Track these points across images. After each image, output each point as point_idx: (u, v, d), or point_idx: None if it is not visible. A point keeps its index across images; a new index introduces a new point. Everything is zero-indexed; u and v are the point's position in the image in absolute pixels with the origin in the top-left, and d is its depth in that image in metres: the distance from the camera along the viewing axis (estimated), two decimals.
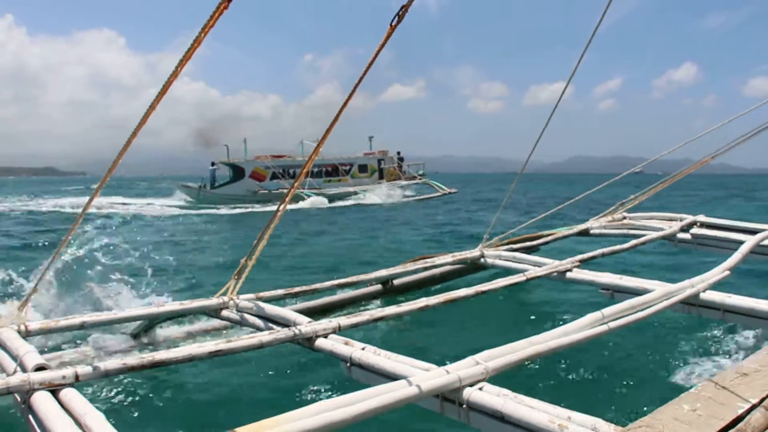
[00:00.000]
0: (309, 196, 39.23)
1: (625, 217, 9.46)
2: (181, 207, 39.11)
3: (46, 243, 16.81)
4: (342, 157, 45.76)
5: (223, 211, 35.76)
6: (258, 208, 36.18)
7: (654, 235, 8.08)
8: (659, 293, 5.04)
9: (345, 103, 3.73)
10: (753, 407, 2.72)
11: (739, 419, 2.62)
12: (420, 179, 47.46)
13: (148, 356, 3.85)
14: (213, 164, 43.86)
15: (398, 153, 48.74)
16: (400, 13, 3.05)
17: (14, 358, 3.77)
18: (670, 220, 9.06)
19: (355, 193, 42.84)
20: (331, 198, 40.78)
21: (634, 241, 7.66)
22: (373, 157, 47.50)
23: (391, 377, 3.60)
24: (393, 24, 3.14)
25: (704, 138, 8.69)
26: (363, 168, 46.91)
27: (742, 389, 2.93)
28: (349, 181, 45.27)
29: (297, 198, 38.00)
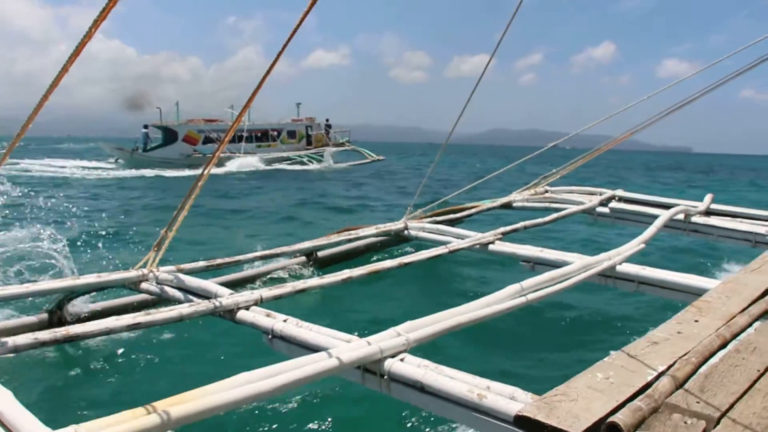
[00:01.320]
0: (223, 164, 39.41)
1: (547, 191, 9.68)
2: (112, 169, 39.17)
3: None
4: (272, 123, 46.48)
5: (156, 172, 35.85)
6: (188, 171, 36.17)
7: (574, 208, 8.29)
8: (577, 265, 5.17)
9: (270, 68, 3.64)
10: (661, 374, 2.82)
11: (648, 385, 2.71)
12: (347, 146, 48.65)
13: (61, 330, 3.70)
14: (145, 127, 43.66)
15: (326, 120, 49.56)
16: None
17: None
18: (590, 194, 9.33)
19: (288, 158, 43.82)
20: (266, 162, 41.56)
21: (554, 215, 7.84)
22: (301, 124, 48.22)
23: (313, 349, 3.58)
24: None
25: (618, 116, 8.96)
26: (292, 134, 47.67)
27: (652, 357, 3.04)
28: (278, 146, 46.03)
29: (226, 162, 38.96)
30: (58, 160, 44.62)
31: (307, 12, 3.20)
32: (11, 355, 3.67)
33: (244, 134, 43.70)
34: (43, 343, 3.63)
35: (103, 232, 12.18)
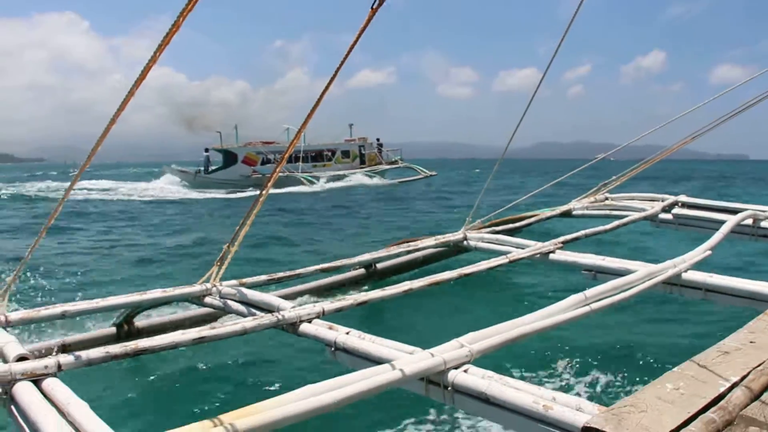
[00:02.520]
0: (311, 181, 42.32)
1: (607, 198, 9.49)
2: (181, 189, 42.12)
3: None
4: (326, 144, 48.35)
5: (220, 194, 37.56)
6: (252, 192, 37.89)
7: (636, 215, 8.11)
8: (641, 274, 5.06)
9: (324, 91, 3.70)
10: (734, 385, 2.75)
11: (720, 397, 2.64)
12: (400, 163, 50.36)
13: (131, 344, 3.81)
14: (206, 150, 46.02)
15: (378, 139, 51.47)
16: None
17: None
18: (652, 200, 9.10)
19: (343, 176, 45.56)
20: (327, 180, 43.47)
21: (616, 222, 7.69)
22: (354, 144, 50.02)
23: (375, 361, 3.59)
24: (374, 7, 3.09)
25: (672, 124, 8.76)
26: (346, 153, 49.46)
27: (723, 368, 2.95)
28: (333, 166, 47.71)
29: (285, 182, 40.22)
30: (126, 183, 46.72)
31: (362, 32, 3.24)
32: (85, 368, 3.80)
33: (301, 155, 45.35)
34: (114, 357, 3.74)
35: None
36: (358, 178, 45.94)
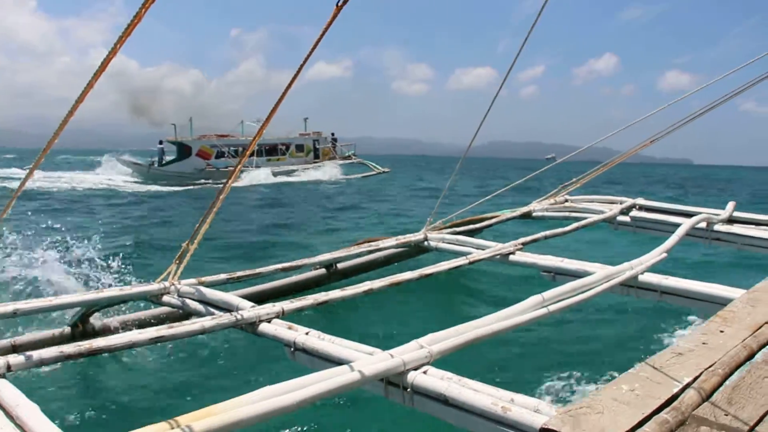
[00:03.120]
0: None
1: (566, 200, 9.61)
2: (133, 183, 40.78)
3: None
4: (280, 137, 47.85)
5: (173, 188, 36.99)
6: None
7: (595, 217, 8.23)
8: (599, 276, 5.14)
9: (289, 85, 3.67)
10: (687, 386, 2.80)
11: (674, 398, 2.68)
12: (354, 159, 50.68)
13: (85, 344, 3.73)
14: (160, 142, 45.36)
15: (332, 134, 51.53)
16: None
17: None
18: (611, 203, 9.25)
19: (295, 170, 45.55)
20: (275, 174, 43.33)
21: (575, 224, 7.79)
22: (308, 138, 50.09)
23: (335, 362, 3.58)
24: (339, 4, 3.09)
25: (623, 128, 8.95)
26: (300, 147, 49.54)
27: (677, 369, 3.01)
28: (287, 160, 47.75)
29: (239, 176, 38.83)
30: (66, 173, 45.59)
31: (327, 28, 3.23)
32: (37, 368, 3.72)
33: (255, 148, 44.32)
34: (68, 357, 3.67)
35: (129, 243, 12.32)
36: (310, 173, 45.68)
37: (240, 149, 44.90)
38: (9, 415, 2.76)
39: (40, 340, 5.56)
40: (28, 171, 4.00)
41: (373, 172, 47.96)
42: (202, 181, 40.61)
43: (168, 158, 45.17)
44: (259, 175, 42.00)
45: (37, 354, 3.49)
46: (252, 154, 42.96)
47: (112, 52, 2.79)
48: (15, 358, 3.36)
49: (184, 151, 44.85)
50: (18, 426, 2.66)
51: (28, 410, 2.74)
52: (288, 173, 44.89)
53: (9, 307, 4.55)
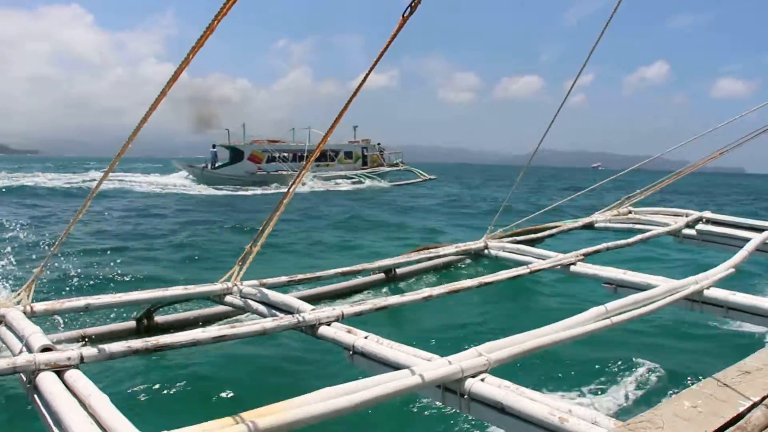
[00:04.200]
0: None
1: (630, 212, 9.43)
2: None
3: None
4: (330, 144, 48.47)
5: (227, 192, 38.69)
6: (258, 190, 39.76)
7: (659, 230, 8.05)
8: (663, 289, 5.04)
9: (355, 92, 3.73)
10: (754, 405, 2.73)
11: (739, 417, 2.62)
12: (401, 166, 52.25)
13: (152, 340, 3.87)
14: (214, 146, 47.43)
15: (378, 144, 53.22)
16: (413, 4, 3.04)
17: (20, 338, 3.80)
18: (676, 215, 9.03)
19: (346, 176, 47.04)
20: (325, 179, 44.88)
21: (638, 236, 7.64)
22: (357, 145, 51.54)
23: (393, 366, 3.61)
24: (405, 15, 3.12)
25: (689, 139, 8.76)
26: (348, 154, 51.03)
27: (744, 387, 2.93)
28: (336, 166, 49.12)
29: (289, 180, 40.40)
30: (140, 176, 47.78)
31: (392, 39, 3.27)
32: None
33: (305, 154, 45.86)
34: (136, 351, 3.80)
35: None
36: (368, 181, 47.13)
37: (290, 154, 46.99)
38: (83, 404, 2.88)
39: (108, 332, 5.78)
40: (103, 174, 4.18)
41: (420, 179, 49.60)
42: (251, 190, 41.65)
43: (221, 163, 46.92)
44: (312, 181, 43.24)
45: (107, 347, 3.63)
46: (302, 160, 45.41)
47: (185, 63, 2.90)
48: (88, 351, 3.50)
49: (236, 155, 46.56)
50: (91, 415, 2.78)
51: (100, 400, 2.86)
52: (334, 179, 46.25)
53: (81, 301, 4.75)
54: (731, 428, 2.49)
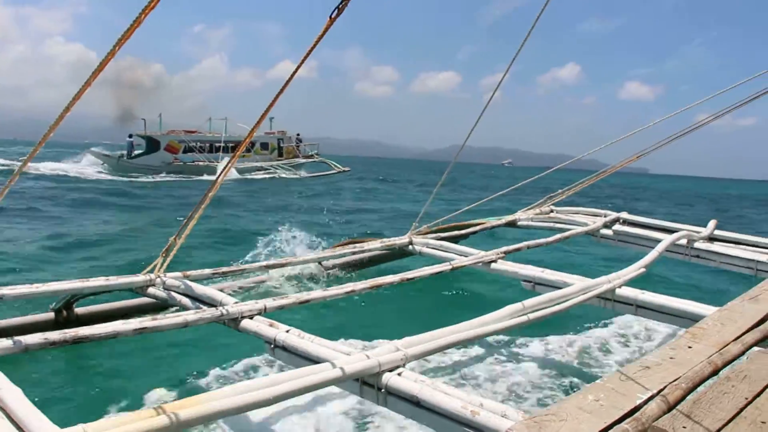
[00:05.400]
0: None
1: (552, 211, 9.74)
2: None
3: None
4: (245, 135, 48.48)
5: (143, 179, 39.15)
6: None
7: (578, 229, 8.35)
8: (578, 287, 5.25)
9: (281, 91, 3.75)
10: (650, 398, 2.89)
11: (636, 409, 2.78)
12: (316, 158, 53.28)
13: (71, 332, 3.81)
14: (130, 136, 47.28)
15: (297, 134, 53.89)
16: (340, 6, 3.08)
17: None
18: (595, 215, 9.38)
19: (261, 168, 47.50)
20: (240, 171, 44.53)
21: (558, 235, 7.91)
22: (273, 136, 51.83)
23: (313, 360, 3.67)
24: (332, 17, 3.16)
25: (591, 138, 9.16)
26: (264, 146, 51.43)
27: (643, 381, 3.10)
28: (252, 157, 49.03)
29: (204, 171, 42.90)
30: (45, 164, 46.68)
31: (318, 40, 3.31)
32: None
33: (222, 145, 47.26)
34: (53, 344, 3.74)
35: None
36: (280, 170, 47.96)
37: (207, 145, 47.53)
38: None
39: (24, 324, 5.61)
40: (22, 162, 4.07)
41: (334, 171, 50.75)
42: (164, 175, 42.67)
43: (137, 152, 46.90)
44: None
45: (23, 340, 3.56)
46: (218, 150, 46.66)
47: (111, 54, 2.86)
48: (2, 343, 3.42)
49: (153, 145, 46.67)
50: (1, 409, 2.73)
51: (12, 393, 2.81)
52: (251, 170, 46.55)
53: None
54: (628, 419, 2.63)
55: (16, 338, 3.56)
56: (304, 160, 51.90)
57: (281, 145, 51.93)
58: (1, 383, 2.95)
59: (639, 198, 47.93)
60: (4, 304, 5.40)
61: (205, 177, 40.59)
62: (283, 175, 47.00)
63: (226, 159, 46.40)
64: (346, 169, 52.25)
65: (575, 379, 5.64)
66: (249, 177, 43.55)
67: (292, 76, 3.62)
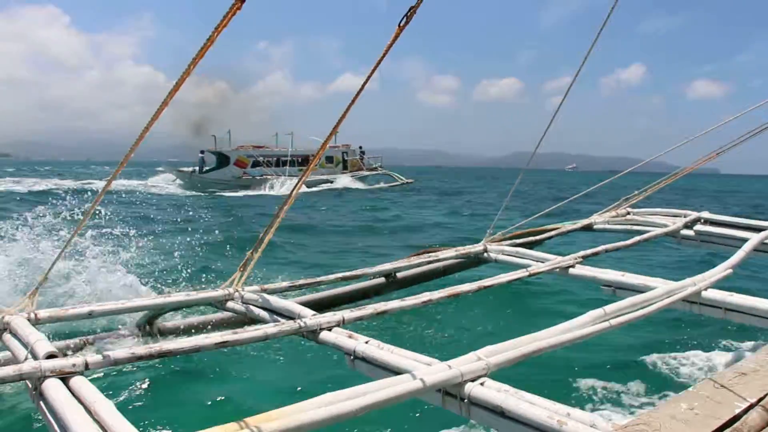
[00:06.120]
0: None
1: (629, 213, 9.46)
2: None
3: None
4: (312, 150, 51.10)
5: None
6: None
7: (657, 231, 8.09)
8: (661, 291, 5.07)
9: (352, 102, 3.77)
10: (750, 407, 2.76)
11: (736, 418, 2.66)
12: (380, 170, 54.60)
13: (155, 346, 3.91)
14: (202, 152, 49.87)
15: (360, 147, 55.23)
16: (408, 14, 3.08)
17: (25, 345, 3.83)
18: (675, 216, 9.07)
19: (328, 180, 49.03)
20: (307, 185, 45.36)
21: (637, 237, 7.67)
22: (338, 150, 53.16)
23: (394, 371, 3.65)
24: (401, 25, 3.16)
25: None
26: (329, 159, 52.76)
27: (740, 389, 2.97)
28: (317, 170, 50.21)
29: (264, 183, 45.60)
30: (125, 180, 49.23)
31: (388, 49, 3.31)
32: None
33: (288, 159, 49.57)
34: (139, 357, 3.84)
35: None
36: (344, 181, 49.54)
37: (274, 159, 49.73)
38: (88, 411, 2.92)
39: (110, 339, 5.82)
40: (106, 183, 4.23)
41: (397, 183, 52.00)
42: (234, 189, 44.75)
43: (208, 168, 49.45)
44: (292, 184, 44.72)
45: (112, 354, 3.66)
46: (285, 164, 48.85)
47: (186, 73, 2.93)
48: (93, 357, 3.54)
49: (223, 160, 49.17)
50: (96, 421, 2.82)
51: (105, 406, 2.89)
52: (317, 183, 47.64)
53: (84, 308, 4.79)
54: (728, 430, 2.52)
55: (106, 352, 3.68)
56: (368, 173, 53.31)
57: (345, 158, 53.33)
58: (94, 396, 3.05)
59: (710, 198, 46.33)
60: (93, 319, 5.61)
61: (268, 191, 42.92)
62: (350, 187, 48.24)
63: (293, 172, 47.97)
64: (410, 180, 53.37)
65: (664, 388, 5.46)
66: (315, 190, 44.45)
67: (363, 87, 3.63)
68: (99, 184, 45.29)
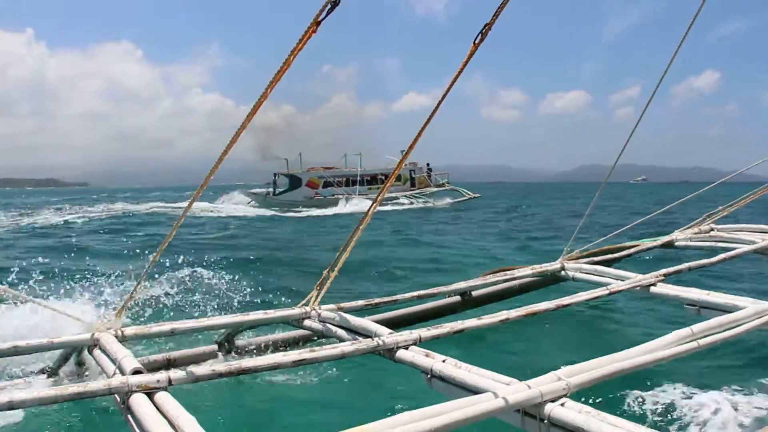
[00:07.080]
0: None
1: (712, 229, 9.14)
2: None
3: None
4: (380, 168, 53.01)
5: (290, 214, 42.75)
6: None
7: (744, 248, 7.77)
8: (751, 311, 4.88)
9: (428, 120, 3.79)
10: None
11: None
12: (447, 186, 55.07)
13: (235, 363, 4.01)
14: (275, 175, 52.68)
15: (428, 164, 56.31)
16: (483, 31, 3.09)
17: (113, 361, 4.00)
18: (762, 232, 8.70)
19: (396, 198, 49.52)
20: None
21: (722, 255, 7.40)
22: (405, 168, 53.29)
23: (471, 390, 3.63)
24: (476, 42, 3.18)
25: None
26: (397, 177, 51.20)
27: None
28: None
29: (334, 203, 47.15)
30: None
31: (464, 66, 3.32)
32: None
33: (358, 178, 51.17)
34: (220, 374, 3.95)
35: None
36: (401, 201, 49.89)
37: (344, 179, 51.47)
38: (172, 425, 3.02)
39: (191, 356, 5.99)
40: (187, 204, 4.40)
41: (465, 198, 52.40)
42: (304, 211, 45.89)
43: (281, 189, 51.60)
44: (362, 202, 45.76)
45: (194, 370, 3.78)
46: (355, 184, 50.71)
47: (263, 97, 3.02)
48: (176, 374, 3.65)
49: (295, 182, 51.31)
50: None
51: (188, 421, 2.98)
52: (387, 201, 47.90)
53: (167, 326, 4.97)
54: None
55: (189, 369, 3.79)
56: (435, 189, 53.78)
57: (413, 175, 54.10)
58: (178, 411, 3.14)
59: None
60: (175, 337, 5.79)
61: (337, 209, 44.37)
62: (418, 205, 48.82)
63: (362, 191, 49.70)
64: (476, 195, 53.60)
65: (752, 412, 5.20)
66: (385, 209, 45.04)
67: (440, 103, 3.66)
68: (201, 205, 47.50)
